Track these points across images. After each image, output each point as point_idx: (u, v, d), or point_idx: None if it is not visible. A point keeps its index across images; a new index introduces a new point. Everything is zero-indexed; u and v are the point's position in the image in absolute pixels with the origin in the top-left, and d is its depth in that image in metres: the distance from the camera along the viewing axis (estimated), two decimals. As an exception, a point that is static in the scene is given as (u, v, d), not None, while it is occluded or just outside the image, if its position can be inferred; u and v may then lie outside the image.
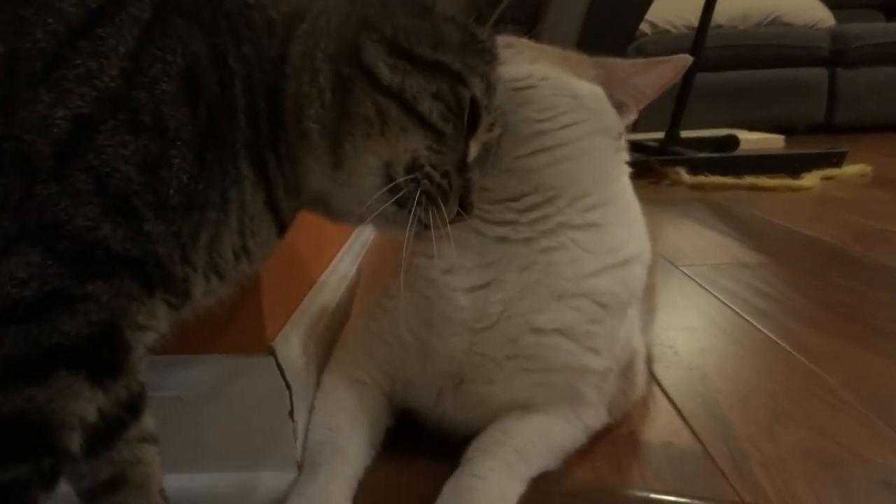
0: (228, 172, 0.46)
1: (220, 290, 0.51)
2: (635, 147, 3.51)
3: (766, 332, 1.06)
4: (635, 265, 0.72)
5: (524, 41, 0.73)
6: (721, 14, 4.51)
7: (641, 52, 4.47)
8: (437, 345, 0.67)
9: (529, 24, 2.82)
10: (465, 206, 0.54)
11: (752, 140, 3.77)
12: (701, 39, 2.94)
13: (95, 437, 0.52)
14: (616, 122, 0.70)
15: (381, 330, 0.72)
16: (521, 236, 0.67)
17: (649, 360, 0.95)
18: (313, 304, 0.80)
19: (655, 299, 1.02)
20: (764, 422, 0.77)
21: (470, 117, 0.52)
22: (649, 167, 2.68)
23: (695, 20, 2.96)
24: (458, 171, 0.52)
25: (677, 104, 3.08)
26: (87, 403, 0.42)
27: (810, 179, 2.49)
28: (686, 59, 0.71)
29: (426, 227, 0.51)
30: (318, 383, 0.74)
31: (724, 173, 2.58)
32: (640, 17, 2.94)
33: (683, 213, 2.05)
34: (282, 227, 0.52)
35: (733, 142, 3.52)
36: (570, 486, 0.67)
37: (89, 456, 0.52)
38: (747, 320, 1.12)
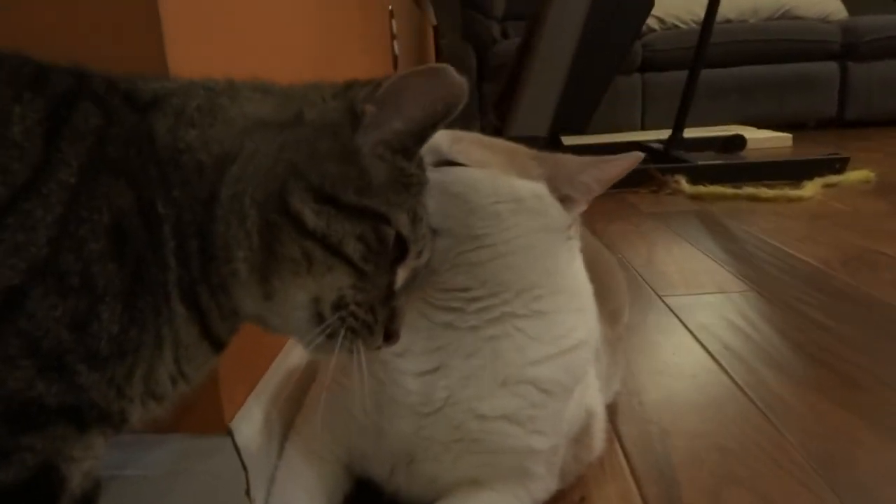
0: (161, 313, 0.48)
1: (159, 411, 0.54)
2: (639, 148, 3.51)
3: (733, 376, 1.08)
4: (581, 351, 0.74)
5: (472, 136, 0.74)
6: (731, 9, 4.47)
7: (649, 48, 4.45)
8: (386, 426, 0.71)
9: (531, 22, 2.85)
10: (389, 334, 0.56)
11: (759, 139, 3.75)
12: (706, 35, 2.92)
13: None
14: (561, 218, 0.71)
15: (337, 406, 0.75)
16: (467, 324, 0.70)
17: (613, 412, 0.98)
18: (280, 368, 0.84)
19: (621, 354, 1.04)
20: (710, 486, 0.80)
21: (397, 250, 0.54)
22: (650, 176, 2.68)
23: (703, 15, 2.94)
24: (384, 301, 0.55)
25: (680, 108, 3.07)
26: None
27: (811, 188, 2.48)
28: (636, 157, 0.71)
29: (352, 352, 0.54)
30: (281, 450, 0.78)
31: (724, 181, 2.58)
32: (643, 19, 2.92)
33: (678, 230, 2.06)
34: (220, 346, 0.55)
35: (740, 142, 3.51)
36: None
37: None
38: (717, 361, 1.14)
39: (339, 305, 0.52)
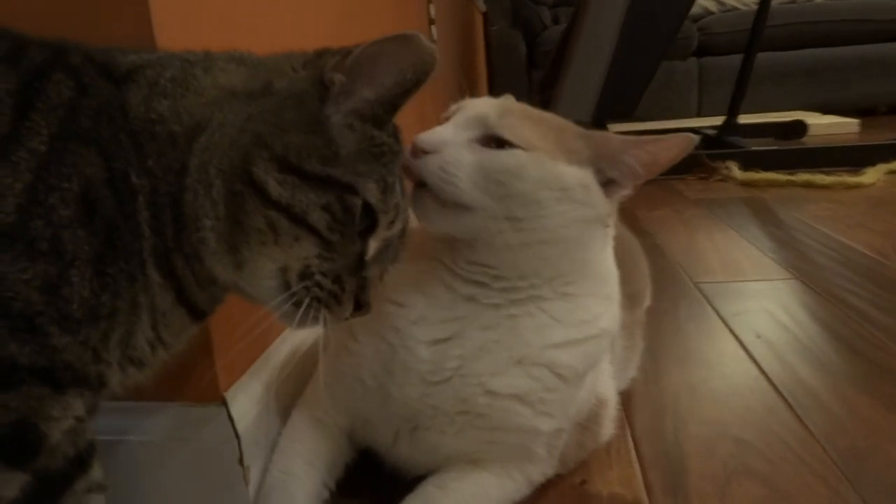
0: (136, 279, 0.49)
1: (140, 376, 0.55)
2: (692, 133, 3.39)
3: (762, 366, 1.03)
4: (602, 339, 0.72)
5: (521, 109, 0.70)
6: (795, -12, 4.26)
7: (706, 31, 4.29)
8: (393, 391, 0.70)
9: (578, 4, 2.78)
10: (360, 304, 0.55)
11: (822, 125, 3.57)
12: (762, 15, 2.80)
13: (41, 492, 0.58)
14: (604, 209, 0.69)
15: (343, 372, 0.75)
16: (490, 301, 0.68)
17: (628, 398, 0.95)
18: (283, 347, 0.85)
19: (639, 339, 1.01)
20: (721, 477, 0.76)
21: (367, 220, 0.53)
22: (698, 161, 2.59)
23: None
24: (353, 271, 0.54)
25: (735, 92, 2.95)
26: (10, 482, 0.47)
27: (872, 175, 2.34)
28: (689, 140, 0.68)
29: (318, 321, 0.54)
30: (281, 425, 0.79)
31: (779, 168, 2.46)
32: (691, 1, 2.81)
33: (723, 217, 1.98)
34: (199, 314, 0.56)
35: (800, 128, 3.35)
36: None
37: None
38: (746, 350, 1.08)
39: (304, 275, 0.52)
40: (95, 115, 0.48)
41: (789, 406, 0.91)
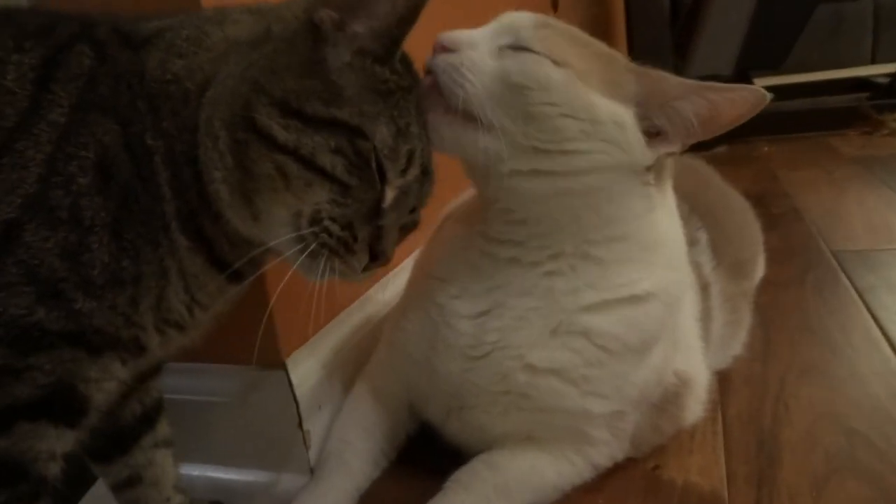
0: (161, 244, 0.50)
1: (184, 339, 0.57)
2: (859, 85, 2.99)
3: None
4: (649, 305, 0.64)
5: (563, 27, 0.64)
6: None
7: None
8: (438, 367, 0.68)
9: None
10: (375, 255, 0.53)
11: None
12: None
13: (113, 446, 0.63)
14: (642, 157, 0.61)
15: (397, 346, 0.75)
16: (529, 259, 0.64)
17: (727, 378, 0.86)
18: (353, 316, 0.85)
19: (746, 312, 0.91)
20: (821, 473, 0.66)
21: (377, 166, 0.51)
22: (861, 114, 2.29)
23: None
24: (368, 219, 0.52)
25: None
26: (54, 441, 0.49)
27: None
28: (761, 97, 0.58)
29: (341, 273, 0.52)
30: (345, 391, 0.80)
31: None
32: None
33: (883, 177, 1.73)
34: (235, 275, 0.56)
35: None
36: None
37: (108, 461, 0.63)
38: (881, 328, 0.94)
39: (314, 220, 0.50)
40: (114, 82, 0.49)
41: (924, 396, 0.77)
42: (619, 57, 0.64)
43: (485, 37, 0.61)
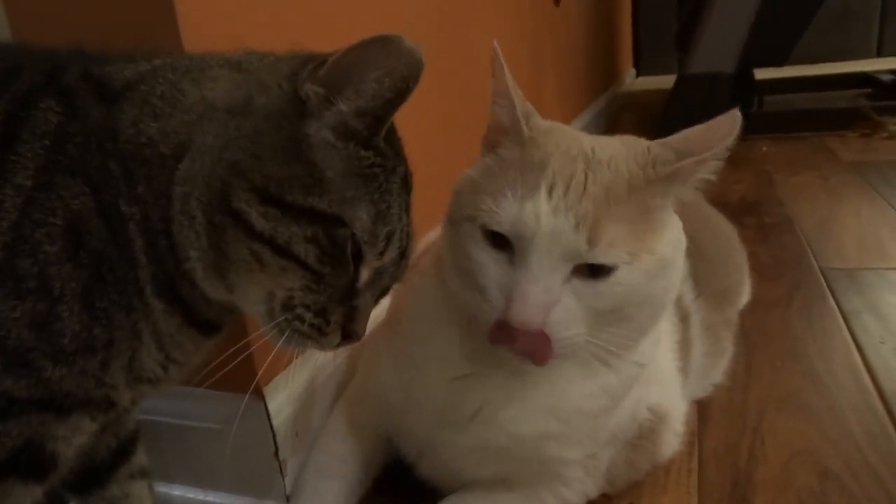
0: (134, 308, 0.49)
1: (155, 391, 0.55)
2: (861, 80, 2.96)
3: (879, 381, 0.88)
4: (634, 369, 0.65)
5: (603, 197, 0.54)
6: None
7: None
8: (412, 421, 0.68)
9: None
10: (347, 334, 0.52)
11: None
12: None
13: (88, 480, 0.63)
14: (672, 289, 0.59)
15: (374, 392, 0.75)
16: None
17: (706, 408, 0.86)
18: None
19: (728, 341, 0.91)
20: (791, 518, 0.67)
21: (357, 248, 0.49)
22: (861, 115, 2.26)
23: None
24: (343, 301, 0.51)
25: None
26: (22, 497, 0.50)
27: None
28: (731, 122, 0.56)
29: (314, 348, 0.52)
30: (323, 420, 0.80)
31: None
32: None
33: (878, 185, 1.72)
34: (212, 329, 0.55)
35: None
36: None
37: (84, 494, 0.63)
38: (863, 358, 0.94)
39: (286, 306, 0.49)
40: (84, 141, 0.47)
41: (900, 442, 0.78)
42: (642, 169, 0.56)
43: (546, 281, 0.53)
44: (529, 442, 0.63)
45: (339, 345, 0.53)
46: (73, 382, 0.47)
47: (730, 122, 0.56)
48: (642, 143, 0.59)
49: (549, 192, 0.53)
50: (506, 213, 0.53)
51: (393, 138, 0.53)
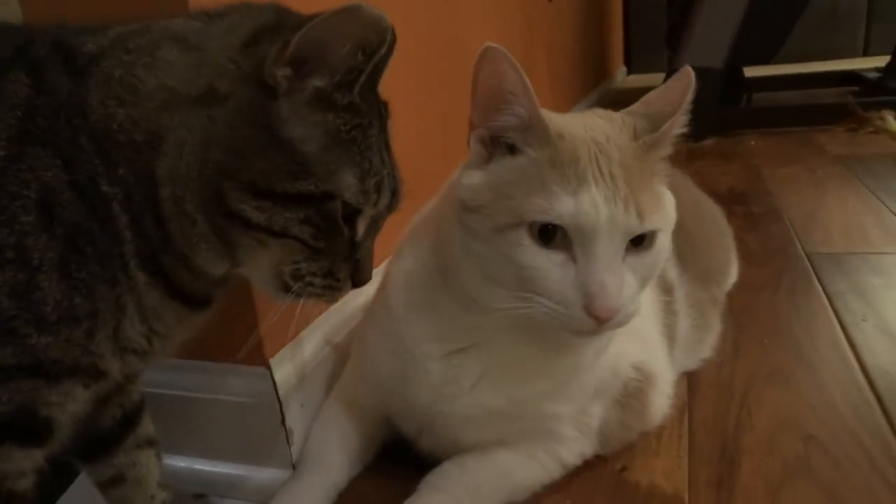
0: (119, 281, 0.51)
1: (143, 364, 0.57)
2: (847, 78, 3.00)
3: (861, 355, 0.92)
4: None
5: (636, 165, 0.58)
6: None
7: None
8: (409, 397, 0.70)
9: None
10: (357, 283, 0.55)
11: None
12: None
13: (96, 448, 0.65)
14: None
15: (368, 373, 0.76)
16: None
17: (696, 381, 0.89)
18: (331, 318, 0.87)
19: (715, 318, 0.94)
20: (777, 478, 0.70)
21: (349, 210, 0.52)
22: (847, 110, 2.31)
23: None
24: (346, 258, 0.54)
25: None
26: (21, 461, 0.52)
27: None
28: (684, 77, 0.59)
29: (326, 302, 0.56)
30: (326, 392, 0.82)
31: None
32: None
33: (863, 177, 1.75)
34: (198, 303, 0.57)
35: None
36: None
37: (93, 462, 0.65)
38: (847, 334, 0.97)
39: (296, 276, 0.52)
40: (53, 114, 0.48)
41: (882, 405, 0.81)
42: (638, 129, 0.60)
43: (615, 266, 0.55)
44: (528, 401, 0.66)
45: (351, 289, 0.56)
46: (60, 350, 0.49)
47: (685, 77, 0.59)
48: (617, 115, 0.62)
49: (596, 182, 0.55)
50: (564, 208, 0.54)
51: (364, 90, 0.51)
